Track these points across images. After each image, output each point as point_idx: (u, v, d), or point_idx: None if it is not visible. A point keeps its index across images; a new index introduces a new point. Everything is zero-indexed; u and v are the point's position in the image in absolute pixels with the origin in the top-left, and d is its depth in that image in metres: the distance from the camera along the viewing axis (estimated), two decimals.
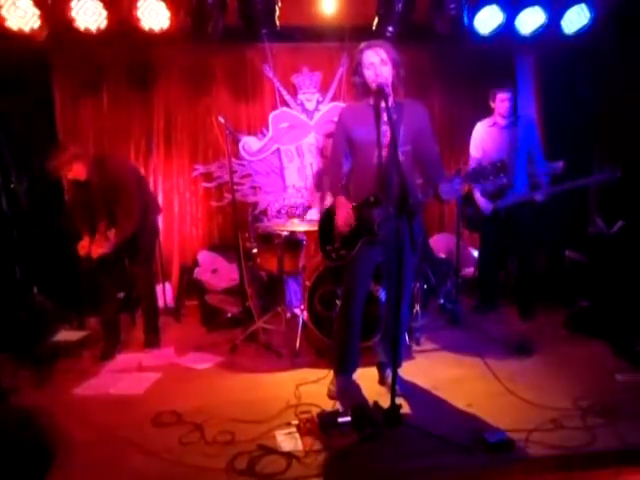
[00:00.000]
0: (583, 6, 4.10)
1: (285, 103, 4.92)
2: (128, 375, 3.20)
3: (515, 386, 2.73)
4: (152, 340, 3.70)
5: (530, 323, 3.93)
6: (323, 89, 4.96)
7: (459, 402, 2.67)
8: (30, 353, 3.47)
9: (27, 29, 3.68)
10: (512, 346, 3.38)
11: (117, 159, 3.66)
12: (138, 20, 3.80)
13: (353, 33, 4.30)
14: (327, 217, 2.75)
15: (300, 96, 4.94)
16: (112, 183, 3.37)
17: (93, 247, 3.37)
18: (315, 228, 2.93)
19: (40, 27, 3.71)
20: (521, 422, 2.39)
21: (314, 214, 4.29)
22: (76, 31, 3.76)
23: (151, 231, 3.73)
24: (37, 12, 3.66)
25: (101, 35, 3.82)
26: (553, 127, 4.40)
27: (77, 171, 3.33)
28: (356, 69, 2.59)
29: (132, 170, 3.64)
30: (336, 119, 2.77)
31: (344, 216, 2.61)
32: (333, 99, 4.97)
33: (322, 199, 4.08)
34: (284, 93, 4.90)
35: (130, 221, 3.39)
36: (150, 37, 3.91)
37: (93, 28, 3.76)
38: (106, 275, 3.54)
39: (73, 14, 3.69)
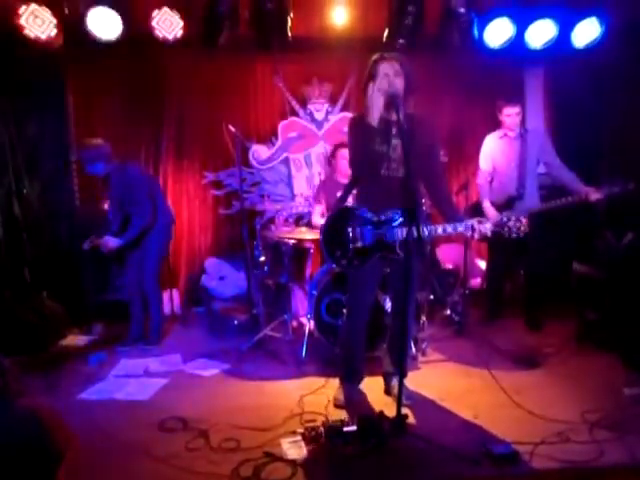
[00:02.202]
0: (594, 19, 4.11)
1: (294, 113, 4.96)
2: (134, 380, 3.21)
3: (522, 398, 2.70)
4: (153, 338, 3.82)
5: (537, 335, 3.91)
6: (332, 99, 4.99)
7: (465, 413, 2.66)
8: (39, 357, 3.50)
9: (44, 37, 3.75)
10: (519, 358, 3.37)
11: (136, 169, 3.84)
12: (153, 29, 3.87)
13: (363, 44, 4.33)
14: (335, 223, 2.70)
15: (309, 106, 4.98)
16: (127, 188, 3.65)
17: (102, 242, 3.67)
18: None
19: (56, 35, 3.79)
20: (527, 434, 2.37)
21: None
22: (91, 39, 3.84)
23: (159, 236, 3.79)
24: (54, 21, 3.74)
25: (116, 43, 3.89)
26: (562, 140, 4.40)
27: (96, 168, 3.66)
28: (369, 80, 2.61)
29: (147, 180, 3.86)
30: (346, 129, 2.78)
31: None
32: (342, 110, 5.00)
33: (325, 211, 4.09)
34: (293, 103, 4.94)
35: (138, 223, 3.63)
36: (164, 46, 3.98)
37: (108, 37, 3.84)
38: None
39: (89, 23, 3.76)
